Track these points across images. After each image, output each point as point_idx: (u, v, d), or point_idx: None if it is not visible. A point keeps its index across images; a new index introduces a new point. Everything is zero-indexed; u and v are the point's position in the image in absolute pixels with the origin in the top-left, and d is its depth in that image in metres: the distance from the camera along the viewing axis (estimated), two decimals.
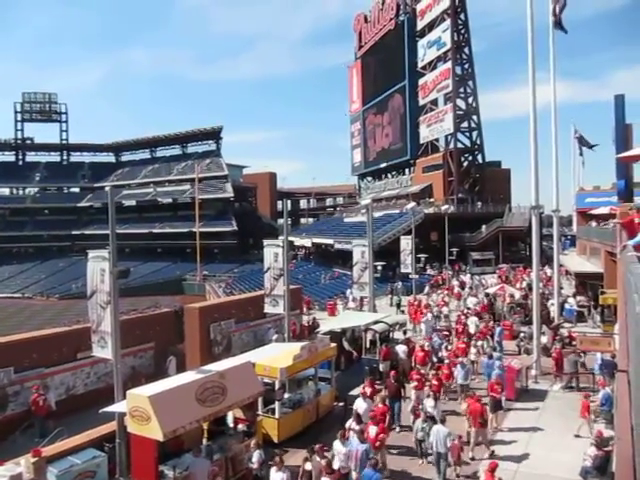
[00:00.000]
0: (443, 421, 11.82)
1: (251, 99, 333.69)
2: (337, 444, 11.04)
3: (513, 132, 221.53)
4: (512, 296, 29.04)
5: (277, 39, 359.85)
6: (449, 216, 46.22)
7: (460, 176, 62.42)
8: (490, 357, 17.71)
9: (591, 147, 41.72)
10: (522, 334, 22.72)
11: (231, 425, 12.86)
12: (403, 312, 29.99)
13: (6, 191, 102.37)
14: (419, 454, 12.53)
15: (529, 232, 24.44)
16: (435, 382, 15.33)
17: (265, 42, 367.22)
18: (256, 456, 11.11)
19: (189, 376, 11.70)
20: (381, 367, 18.52)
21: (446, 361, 17.98)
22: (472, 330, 22.85)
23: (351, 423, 12.22)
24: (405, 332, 22.37)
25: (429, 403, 13.21)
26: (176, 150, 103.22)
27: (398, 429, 14.08)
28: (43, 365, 16.96)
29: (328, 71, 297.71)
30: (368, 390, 14.35)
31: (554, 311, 24.54)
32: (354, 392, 16.44)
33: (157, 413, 9.81)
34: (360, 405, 13.18)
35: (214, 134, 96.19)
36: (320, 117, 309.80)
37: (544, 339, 20.75)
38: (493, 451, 12.68)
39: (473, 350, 19.28)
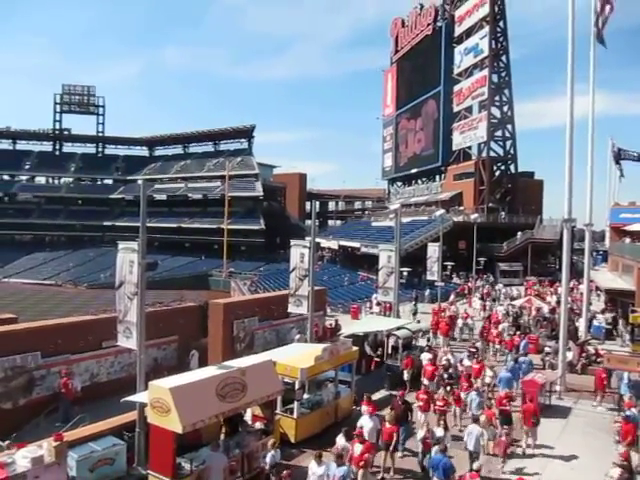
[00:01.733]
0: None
1: (284, 100, 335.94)
2: (313, 465, 10.43)
3: (548, 143, 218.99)
4: (539, 309, 28.58)
5: (312, 41, 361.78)
6: (478, 225, 45.69)
7: (491, 185, 61.71)
8: (516, 361, 17.84)
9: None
10: (547, 349, 22.30)
11: (249, 422, 12.92)
12: (419, 322, 28.73)
13: (42, 180, 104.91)
14: None
15: (560, 245, 24.07)
16: (440, 403, 14.31)
17: (300, 44, 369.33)
18: (269, 457, 11.09)
19: (210, 371, 11.79)
20: (405, 376, 18.30)
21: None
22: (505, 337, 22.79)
23: (340, 438, 11.72)
24: (429, 339, 22.22)
25: (438, 433, 12.24)
26: (208, 147, 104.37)
27: (401, 454, 13.04)
28: (69, 351, 17.27)
29: (362, 75, 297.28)
30: (364, 408, 13.56)
31: (582, 327, 24.08)
32: (374, 397, 16.34)
33: (177, 405, 9.90)
34: (366, 423, 12.38)
35: (246, 133, 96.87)
36: (353, 120, 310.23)
37: (570, 355, 20.35)
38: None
39: (489, 373, 17.71)
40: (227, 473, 10.29)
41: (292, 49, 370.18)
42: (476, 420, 12.62)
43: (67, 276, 78.22)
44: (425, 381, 16.91)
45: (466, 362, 18.64)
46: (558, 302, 28.35)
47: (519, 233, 55.22)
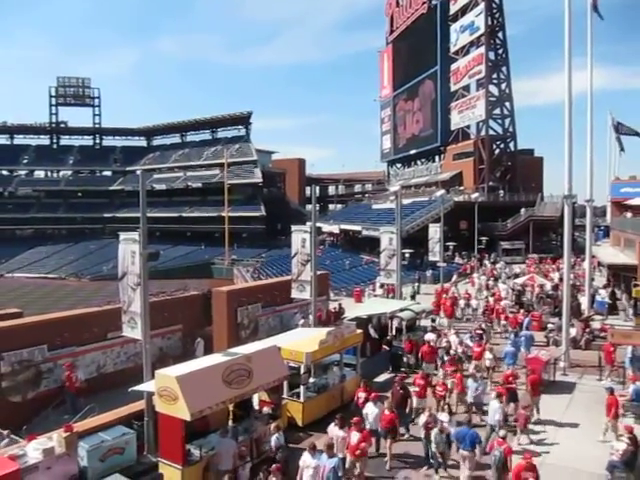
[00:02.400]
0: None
1: (280, 85, 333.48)
2: (306, 456, 9.94)
3: (547, 120, 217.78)
4: (541, 287, 28.62)
5: (306, 25, 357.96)
6: (479, 204, 45.61)
7: (491, 164, 61.52)
8: (516, 335, 18.29)
9: (636, 134, 40.50)
10: (551, 325, 22.39)
11: (256, 407, 13.03)
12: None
13: (41, 174, 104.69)
14: (436, 466, 11.51)
15: (561, 222, 24.03)
16: (439, 388, 14.07)
17: (294, 28, 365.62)
18: (273, 440, 11.22)
19: (216, 358, 11.88)
20: (405, 360, 18.35)
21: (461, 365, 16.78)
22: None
23: (332, 428, 11.35)
24: (434, 320, 22.24)
25: (443, 417, 11.85)
26: (206, 135, 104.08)
27: (406, 437, 13.08)
28: (75, 344, 17.36)
29: (358, 57, 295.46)
30: (362, 395, 13.32)
31: (585, 303, 24.15)
32: (379, 379, 16.47)
33: (184, 393, 9.98)
34: (370, 411, 12.21)
35: (243, 120, 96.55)
36: (350, 104, 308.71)
37: (573, 331, 20.43)
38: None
39: (488, 355, 17.02)
40: (236, 458, 10.38)
41: (286, 34, 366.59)
42: (499, 395, 12.73)
43: (70, 269, 78.45)
44: (423, 364, 16.90)
45: (468, 343, 18.69)
46: (561, 279, 28.39)
47: (522, 209, 55.16)
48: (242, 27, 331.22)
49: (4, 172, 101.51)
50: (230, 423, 12.27)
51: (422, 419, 12.19)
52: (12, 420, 13.69)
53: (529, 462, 9.61)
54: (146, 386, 11.62)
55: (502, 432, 11.02)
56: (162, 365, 12.45)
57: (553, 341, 21.22)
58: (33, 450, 10.42)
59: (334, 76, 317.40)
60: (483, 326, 21.56)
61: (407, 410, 13.38)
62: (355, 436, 10.77)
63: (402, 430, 12.97)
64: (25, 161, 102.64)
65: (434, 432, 11.33)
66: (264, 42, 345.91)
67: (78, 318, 18.50)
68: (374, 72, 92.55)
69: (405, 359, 18.39)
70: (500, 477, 10.10)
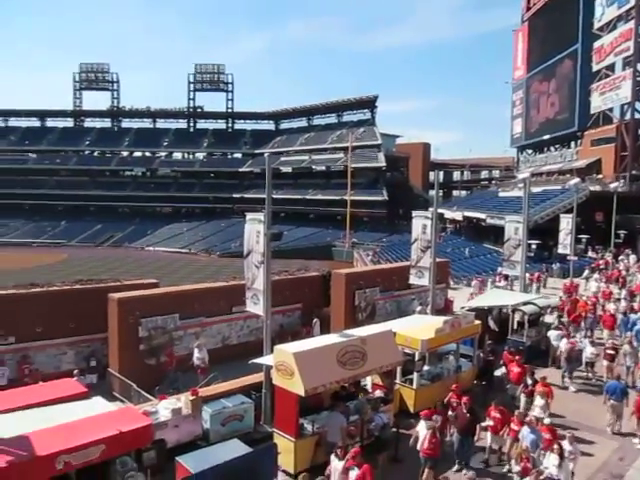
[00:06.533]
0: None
1: (407, 67, 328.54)
2: (334, 459, 9.43)
3: None
4: None
5: (435, 3, 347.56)
6: (618, 195, 41.98)
7: (635, 151, 56.24)
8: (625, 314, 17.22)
9: None
10: None
11: (369, 390, 13.18)
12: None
13: (179, 155, 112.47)
14: None
15: None
16: (515, 427, 10.96)
17: (423, 6, 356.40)
18: (377, 419, 11.28)
19: (332, 338, 12.15)
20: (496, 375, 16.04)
21: None
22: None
23: (333, 458, 9.56)
24: (561, 316, 20.92)
25: (551, 462, 9.40)
26: (332, 119, 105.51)
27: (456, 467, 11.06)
28: (203, 314, 18.63)
29: (490, 37, 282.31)
30: (453, 400, 11.94)
31: None
32: (497, 373, 15.92)
33: (300, 370, 10.34)
34: (421, 428, 10.60)
35: (369, 103, 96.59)
36: (479, 86, 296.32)
37: None
38: None
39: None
40: (345, 434, 10.58)
41: (415, 13, 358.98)
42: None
43: (201, 245, 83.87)
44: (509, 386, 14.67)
45: (588, 349, 16.72)
46: None
47: None
48: (369, 9, 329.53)
49: (147, 154, 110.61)
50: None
51: (516, 467, 10.26)
52: (146, 380, 15.05)
53: None
54: (265, 360, 12.20)
55: None
56: (281, 341, 13.02)
57: None
58: (163, 409, 11.42)
59: (463, 57, 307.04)
60: (618, 343, 17.56)
61: (475, 438, 11.27)
62: (354, 472, 8.94)
63: (456, 466, 11.12)
64: (165, 143, 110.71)
65: None
66: (390, 23, 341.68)
67: (207, 291, 19.80)
68: (507, 53, 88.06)
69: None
70: None
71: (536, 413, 12.05)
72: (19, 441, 7.77)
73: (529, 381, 13.57)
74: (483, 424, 11.41)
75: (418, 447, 10.39)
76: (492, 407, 11.55)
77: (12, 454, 7.39)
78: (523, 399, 13.34)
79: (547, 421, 11.15)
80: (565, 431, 11.04)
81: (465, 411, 11.30)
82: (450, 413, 11.65)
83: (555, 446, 9.57)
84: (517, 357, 15.21)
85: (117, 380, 15.93)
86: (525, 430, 10.56)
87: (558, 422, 12.40)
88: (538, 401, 12.56)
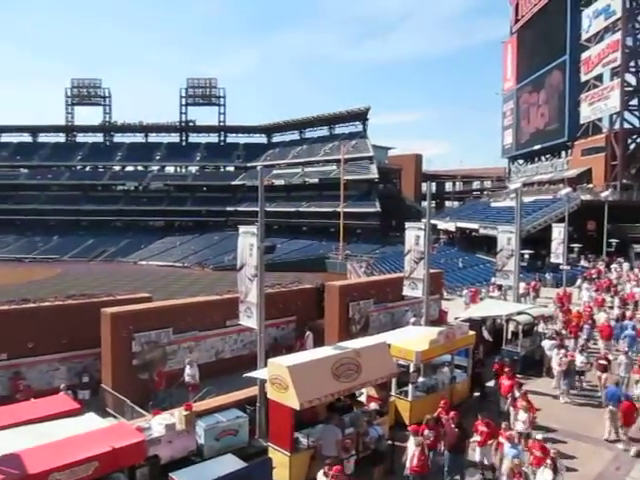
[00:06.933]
0: None
1: (398, 79, 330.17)
2: (322, 478, 9.10)
3: None
4: None
5: (425, 17, 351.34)
6: (609, 204, 42.31)
7: (625, 160, 56.72)
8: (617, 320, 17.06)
9: None
10: None
11: (364, 403, 13.12)
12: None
13: (171, 169, 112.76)
14: None
15: None
16: (504, 440, 10.58)
17: (410, 21, 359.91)
18: (371, 431, 11.21)
19: (326, 351, 12.11)
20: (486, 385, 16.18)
21: None
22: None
23: (320, 476, 9.16)
24: (559, 330, 20.77)
25: (545, 477, 9.24)
26: (324, 131, 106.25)
27: None
28: (197, 328, 18.53)
29: (479, 48, 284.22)
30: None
31: None
32: (490, 384, 15.92)
33: (295, 383, 10.28)
34: (410, 445, 10.40)
35: (361, 115, 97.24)
36: (469, 97, 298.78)
37: None
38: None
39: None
40: (340, 447, 10.51)
41: (400, 28, 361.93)
42: None
43: (194, 259, 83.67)
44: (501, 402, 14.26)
45: (579, 358, 16.47)
46: None
47: None
48: (360, 21, 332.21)
49: (140, 168, 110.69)
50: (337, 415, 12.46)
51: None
52: (139, 396, 14.94)
53: None
54: (259, 373, 12.15)
55: None
56: (275, 354, 12.95)
57: None
58: (157, 424, 11.31)
59: (453, 68, 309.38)
60: (610, 356, 17.22)
61: (465, 455, 10.99)
62: None
63: None
64: (157, 157, 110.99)
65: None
66: (379, 37, 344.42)
67: (200, 305, 19.73)
68: (496, 63, 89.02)
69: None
70: None
71: (519, 428, 11.87)
72: (11, 458, 7.69)
73: (517, 394, 13.28)
74: (471, 439, 11.18)
75: (407, 464, 10.24)
76: (479, 421, 11.27)
77: (4, 472, 7.31)
78: (512, 412, 12.99)
79: (539, 437, 10.70)
80: (555, 445, 10.92)
81: (453, 426, 11.01)
82: (442, 429, 11.39)
83: (548, 461, 9.37)
84: (507, 369, 14.84)
85: (110, 396, 15.78)
86: (506, 445, 10.44)
87: (552, 433, 12.49)
88: (521, 415, 12.23)
